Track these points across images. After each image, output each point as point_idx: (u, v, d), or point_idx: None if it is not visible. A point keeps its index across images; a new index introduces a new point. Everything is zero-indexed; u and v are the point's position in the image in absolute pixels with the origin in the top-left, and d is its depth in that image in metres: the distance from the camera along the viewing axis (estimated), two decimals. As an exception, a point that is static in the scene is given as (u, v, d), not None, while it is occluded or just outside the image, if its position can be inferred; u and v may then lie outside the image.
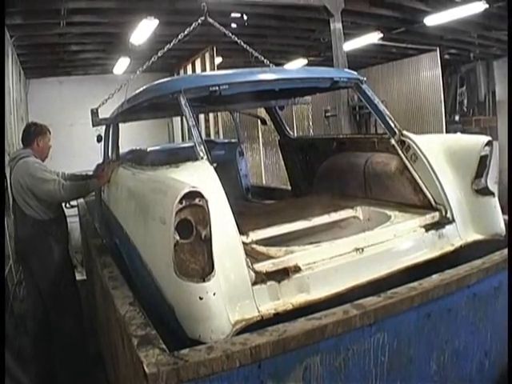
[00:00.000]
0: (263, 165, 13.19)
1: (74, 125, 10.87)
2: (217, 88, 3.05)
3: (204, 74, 6.03)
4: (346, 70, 4.07)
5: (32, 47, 9.00)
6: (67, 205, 4.63)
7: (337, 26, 8.06)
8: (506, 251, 2.76)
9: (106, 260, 3.41)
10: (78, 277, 6.78)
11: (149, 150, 5.84)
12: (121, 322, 2.31)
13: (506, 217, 3.44)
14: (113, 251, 3.65)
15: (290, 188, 5.38)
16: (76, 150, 10.66)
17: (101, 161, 5.27)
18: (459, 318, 2.49)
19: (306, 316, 2.11)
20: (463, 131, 12.50)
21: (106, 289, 2.84)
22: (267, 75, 3.46)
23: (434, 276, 2.45)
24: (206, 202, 2.18)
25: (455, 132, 12.31)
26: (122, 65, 10.46)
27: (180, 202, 2.13)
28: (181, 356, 1.76)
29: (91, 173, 4.98)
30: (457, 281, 2.42)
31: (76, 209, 5.77)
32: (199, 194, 2.16)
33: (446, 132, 11.67)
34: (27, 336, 4.26)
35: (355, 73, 3.77)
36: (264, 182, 12.43)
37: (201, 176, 2.56)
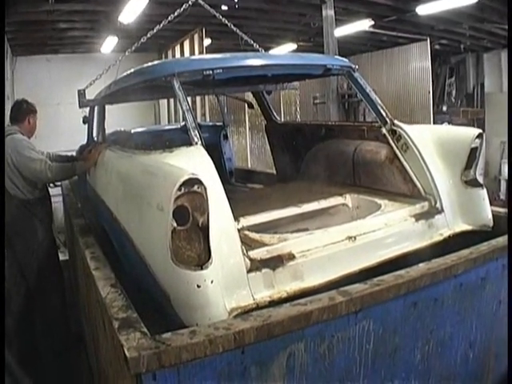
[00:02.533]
0: (249, 148, 13.18)
1: (61, 104, 10.70)
2: (210, 72, 3.00)
3: (198, 57, 5.97)
4: (339, 57, 4.04)
5: (20, 24, 8.81)
6: (51, 184, 4.57)
7: (329, 12, 8.02)
8: (493, 242, 2.76)
9: (89, 240, 3.35)
10: (61, 257, 6.74)
11: (133, 131, 5.76)
12: (102, 303, 2.26)
13: (500, 209, 3.49)
14: (98, 233, 3.59)
15: (274, 172, 5.35)
16: (63, 129, 10.51)
17: (85, 142, 5.20)
18: (445, 308, 2.49)
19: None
20: (450, 122, 12.54)
21: (88, 269, 2.79)
22: (262, 60, 3.42)
23: (421, 265, 2.43)
24: (205, 189, 2.16)
25: (442, 122, 12.35)
26: (109, 44, 10.30)
27: (179, 188, 2.10)
28: (163, 340, 1.72)
29: (75, 154, 4.92)
30: (444, 270, 2.40)
31: (59, 188, 5.69)
32: (198, 181, 2.13)
33: (434, 122, 11.72)
34: (10, 315, 4.22)
35: (347, 60, 3.73)
36: (249, 165, 12.41)
37: (197, 162, 2.53)
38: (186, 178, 2.11)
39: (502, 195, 12.10)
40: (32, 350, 4.11)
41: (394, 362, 2.33)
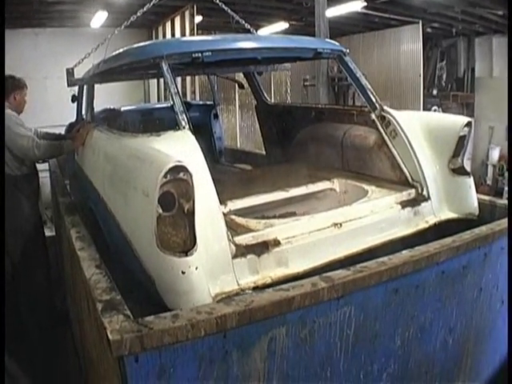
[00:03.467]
0: (238, 127, 13.15)
1: (49, 78, 10.53)
2: (199, 55, 2.98)
3: (186, 39, 5.91)
4: (330, 40, 4.02)
5: (6, -4, 8.62)
6: (39, 160, 4.53)
7: (321, -6, 7.92)
8: (476, 231, 2.79)
9: (75, 219, 3.35)
10: (48, 233, 6.71)
11: (122, 109, 5.71)
12: (86, 284, 2.26)
13: (485, 197, 3.52)
14: (84, 212, 3.58)
15: (264, 153, 5.35)
16: (50, 104, 10.35)
17: (74, 120, 5.15)
18: (426, 295, 2.52)
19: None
20: (440, 106, 12.56)
21: (73, 249, 2.79)
22: (251, 43, 3.42)
23: (403, 252, 2.45)
24: (191, 176, 2.16)
25: (432, 106, 12.37)
26: (99, 18, 10.12)
27: (165, 176, 2.10)
28: (145, 323, 1.73)
29: (63, 132, 4.88)
30: (426, 258, 2.43)
31: (47, 164, 5.65)
32: (184, 169, 2.14)
33: (424, 105, 11.73)
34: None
35: (338, 44, 3.72)
36: (238, 144, 12.39)
37: (184, 147, 2.53)
38: (171, 165, 2.12)
39: (489, 180, 12.19)
40: (18, 326, 4.12)
41: (374, 347, 2.37)
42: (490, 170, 12.27)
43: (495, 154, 12.13)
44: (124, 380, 1.70)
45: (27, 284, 4.24)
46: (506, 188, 11.16)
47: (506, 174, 11.54)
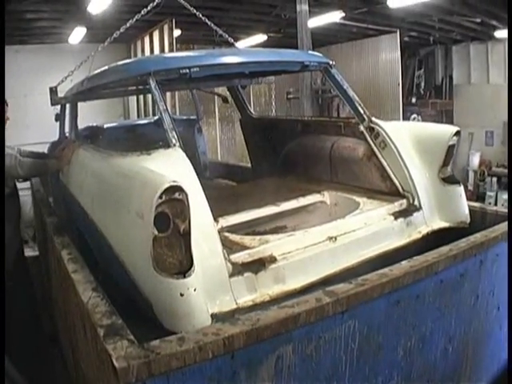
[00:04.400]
0: (219, 140, 13.14)
1: (29, 95, 10.42)
2: (187, 70, 2.97)
3: (173, 55, 5.90)
4: (316, 53, 4.05)
5: (-14, 15, 8.53)
6: (20, 179, 4.43)
7: (303, 7, 8.00)
8: (472, 238, 2.80)
9: (65, 240, 3.26)
10: (30, 252, 6.58)
11: (105, 126, 5.66)
12: (83, 308, 2.20)
13: (475, 204, 3.55)
14: (73, 232, 3.51)
15: (249, 166, 5.32)
16: (30, 122, 10.25)
17: (57, 138, 5.09)
18: (426, 305, 2.52)
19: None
20: (419, 113, 12.71)
21: (66, 271, 2.71)
22: (239, 58, 3.42)
23: (403, 262, 2.45)
24: (186, 195, 2.12)
25: (411, 114, 12.51)
26: (78, 34, 10.07)
27: (160, 196, 2.06)
28: (151, 348, 1.68)
29: (46, 151, 4.80)
30: (426, 268, 2.43)
31: (28, 182, 5.55)
32: (179, 189, 2.10)
33: (403, 114, 11.86)
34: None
35: (324, 57, 3.73)
36: (219, 157, 12.38)
37: (176, 166, 2.52)
38: (167, 185, 2.08)
39: (470, 185, 12.34)
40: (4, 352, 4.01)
41: (377, 359, 2.36)
42: (471, 175, 12.43)
43: (475, 160, 12.31)
44: (132, 408, 1.64)
45: (11, 310, 4.12)
46: (488, 193, 11.32)
47: (487, 179, 11.70)
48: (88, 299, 2.20)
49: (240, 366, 1.84)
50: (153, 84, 2.89)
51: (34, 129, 9.71)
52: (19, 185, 4.63)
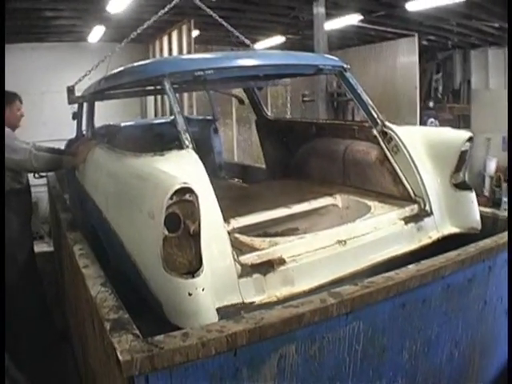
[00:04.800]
0: (235, 141, 13.17)
1: (46, 93, 10.56)
2: (202, 73, 3.00)
3: (189, 57, 5.95)
4: (331, 56, 4.05)
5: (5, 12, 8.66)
6: (36, 175, 4.50)
7: (320, 10, 8.01)
8: (481, 244, 2.79)
9: (77, 236, 3.33)
10: (45, 248, 6.66)
11: (122, 125, 5.72)
12: (92, 303, 2.25)
13: (487, 209, 3.53)
14: (87, 229, 3.57)
15: (264, 167, 5.35)
16: (47, 119, 10.40)
17: (74, 136, 5.16)
18: (432, 309, 2.51)
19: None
20: (437, 118, 12.62)
21: (77, 266, 2.77)
22: (253, 61, 3.43)
23: (410, 266, 2.45)
24: (197, 197, 2.16)
25: (428, 118, 12.43)
26: (96, 33, 10.19)
27: (170, 197, 2.10)
28: (155, 343, 1.72)
29: (62, 148, 4.86)
30: (432, 272, 2.43)
31: (45, 179, 5.64)
32: (190, 190, 2.14)
33: (420, 118, 11.79)
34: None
35: (339, 60, 3.74)
36: (235, 158, 12.41)
37: (188, 168, 2.54)
38: (177, 187, 2.12)
39: (486, 191, 12.21)
40: (15, 349, 4.06)
41: (382, 361, 2.36)
42: (487, 181, 12.30)
43: (492, 166, 12.17)
44: (134, 400, 1.68)
45: (18, 305, 4.17)
46: (504, 199, 11.20)
47: (504, 186, 11.57)
48: (97, 293, 2.25)
49: (242, 364, 1.86)
50: (167, 86, 2.92)
51: (51, 126, 9.85)
52: (37, 181, 4.72)
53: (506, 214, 3.57)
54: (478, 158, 12.15)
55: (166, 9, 4.91)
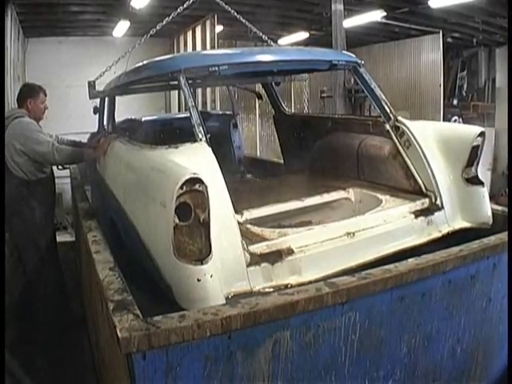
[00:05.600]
0: (258, 136, 13.21)
1: (71, 86, 10.74)
2: (216, 68, 3.08)
3: (204, 52, 6.04)
4: (345, 52, 4.09)
5: (32, 6, 8.86)
6: (59, 167, 4.65)
7: (338, 6, 8.02)
8: (485, 241, 2.80)
9: (92, 224, 3.45)
10: (68, 238, 6.82)
11: (143, 119, 5.84)
12: (100, 285, 2.35)
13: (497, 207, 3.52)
14: (105, 221, 3.68)
15: (282, 162, 5.41)
16: (71, 112, 10.60)
17: (96, 130, 5.29)
18: (433, 303, 2.54)
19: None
20: (461, 116, 12.49)
21: (89, 252, 2.88)
22: (268, 56, 3.50)
23: (409, 260, 2.48)
24: (206, 187, 2.26)
25: (452, 116, 12.30)
26: (121, 28, 10.33)
27: (181, 187, 2.20)
28: (153, 322, 1.80)
29: (85, 141, 5.00)
30: (432, 266, 2.45)
31: (68, 171, 5.79)
32: (199, 181, 2.23)
33: (444, 115, 11.67)
34: (8, 296, 4.33)
35: (354, 55, 3.78)
36: (258, 153, 12.46)
37: (200, 159, 2.65)
38: (187, 177, 2.22)
39: (509, 191, 12.04)
40: (32, 331, 4.20)
41: (379, 353, 2.40)
42: (511, 180, 12.12)
43: (508, 166, 11.98)
44: (132, 376, 1.77)
45: (39, 290, 4.31)
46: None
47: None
48: (104, 277, 2.35)
49: (237, 347, 1.93)
50: (182, 81, 3.02)
51: (76, 119, 10.03)
52: (62, 173, 4.86)
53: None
54: (502, 157, 11.98)
55: (185, 5, 4.98)
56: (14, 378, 1.81)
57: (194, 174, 2.24)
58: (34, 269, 4.28)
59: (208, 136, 2.87)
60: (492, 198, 10.40)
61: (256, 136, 13.30)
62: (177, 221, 2.25)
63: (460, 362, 2.84)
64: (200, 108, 8.92)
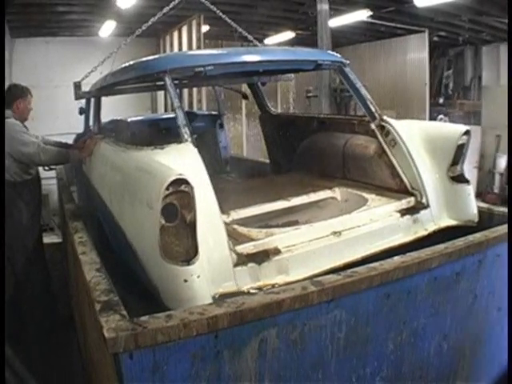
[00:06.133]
0: (245, 136, 13.22)
1: (59, 87, 10.69)
2: (202, 69, 3.08)
3: (190, 53, 6.03)
4: (330, 52, 4.11)
5: (19, 6, 8.78)
6: (45, 168, 4.63)
7: (323, 6, 8.04)
8: (470, 238, 2.82)
9: (78, 225, 3.44)
10: (55, 239, 6.79)
11: (129, 120, 5.83)
12: (86, 286, 2.35)
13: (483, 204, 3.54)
14: (92, 222, 3.67)
15: (268, 161, 5.42)
16: (59, 112, 10.53)
17: (82, 131, 5.27)
18: (419, 301, 2.56)
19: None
20: (447, 114, 12.56)
21: (76, 253, 2.88)
22: (253, 57, 3.50)
23: (395, 258, 2.50)
24: (192, 188, 2.26)
25: (438, 115, 12.37)
26: (108, 28, 10.28)
27: (167, 188, 2.20)
28: (140, 322, 1.81)
29: (71, 142, 4.98)
30: (418, 264, 2.47)
31: (54, 172, 5.76)
32: (185, 181, 2.24)
33: (430, 114, 11.74)
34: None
35: (339, 55, 3.80)
36: (245, 152, 12.46)
37: (186, 160, 2.65)
38: (173, 178, 2.22)
39: (496, 189, 12.12)
40: (20, 332, 4.19)
41: (366, 350, 2.42)
42: (498, 178, 12.21)
43: (502, 163, 12.05)
44: (120, 376, 1.77)
45: (27, 291, 4.30)
46: (514, 196, 11.11)
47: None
48: (91, 278, 2.35)
49: (223, 346, 1.94)
50: (168, 81, 3.02)
51: (63, 119, 9.95)
52: (49, 174, 4.84)
53: (501, 209, 3.60)
54: (489, 155, 12.09)
55: (171, 5, 4.97)
56: (18, 378, 1.81)
57: (180, 174, 2.24)
58: (22, 270, 4.27)
59: (194, 136, 2.88)
60: (479, 195, 10.51)
61: (242, 136, 13.31)
62: (163, 222, 2.26)
63: (447, 359, 2.87)
64: (186, 108, 8.90)
